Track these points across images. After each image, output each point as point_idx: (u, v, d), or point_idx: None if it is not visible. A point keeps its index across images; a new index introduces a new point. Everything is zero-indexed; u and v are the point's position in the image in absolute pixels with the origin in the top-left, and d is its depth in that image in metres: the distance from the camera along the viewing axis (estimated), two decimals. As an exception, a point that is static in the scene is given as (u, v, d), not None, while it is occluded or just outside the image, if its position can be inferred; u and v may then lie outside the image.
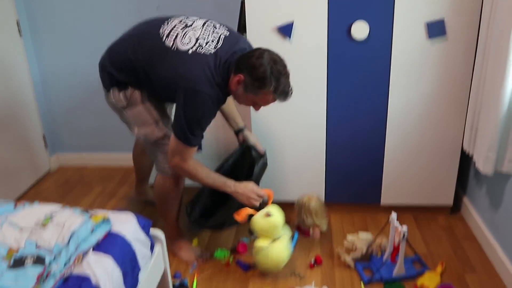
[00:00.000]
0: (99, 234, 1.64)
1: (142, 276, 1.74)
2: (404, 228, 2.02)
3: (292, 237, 2.49)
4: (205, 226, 2.38)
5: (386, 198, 2.64)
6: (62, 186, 3.37)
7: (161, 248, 1.94)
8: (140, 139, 2.15)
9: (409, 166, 2.54)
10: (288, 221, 2.66)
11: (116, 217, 1.78)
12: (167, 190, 2.21)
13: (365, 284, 2.13)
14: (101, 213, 1.73)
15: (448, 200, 2.59)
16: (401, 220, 2.54)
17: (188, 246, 2.40)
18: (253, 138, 2.42)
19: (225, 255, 2.40)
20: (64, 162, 3.74)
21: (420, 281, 2.05)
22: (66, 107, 3.53)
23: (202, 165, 2.08)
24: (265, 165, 2.39)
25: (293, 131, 2.56)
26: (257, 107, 1.99)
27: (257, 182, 2.39)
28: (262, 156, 2.40)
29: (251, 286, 2.17)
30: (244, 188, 2.10)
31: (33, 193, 3.27)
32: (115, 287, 1.53)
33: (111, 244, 1.62)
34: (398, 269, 2.12)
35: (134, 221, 1.78)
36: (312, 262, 2.30)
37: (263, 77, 1.84)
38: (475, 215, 2.49)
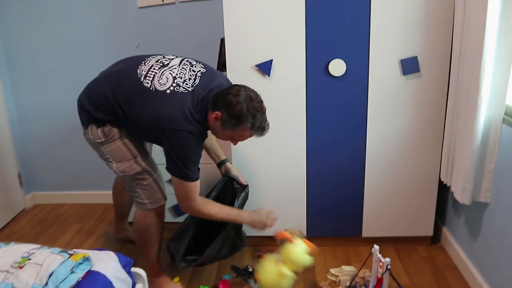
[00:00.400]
0: (79, 274, 1.60)
1: (123, 317, 1.69)
2: (387, 260, 2.03)
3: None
4: (193, 264, 2.30)
5: (368, 230, 2.66)
6: (38, 225, 3.28)
7: (143, 287, 1.89)
8: (119, 175, 2.14)
9: (389, 198, 2.58)
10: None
11: (97, 256, 1.74)
12: (147, 225, 2.19)
13: (349, 318, 2.12)
14: (81, 252, 1.69)
15: (428, 231, 2.63)
16: (383, 252, 2.54)
17: (170, 284, 2.35)
18: (235, 170, 2.43)
19: (207, 293, 2.36)
20: (40, 201, 3.65)
21: (405, 314, 2.04)
22: (44, 144, 3.48)
23: (211, 201, 2.17)
24: (246, 197, 2.40)
25: (274, 164, 2.58)
26: (234, 141, 2.06)
27: None
28: (244, 187, 2.41)
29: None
30: (260, 216, 2.20)
31: (6, 233, 3.17)
32: (96, 329, 1.48)
33: (92, 284, 1.57)
34: (383, 303, 2.11)
35: (115, 259, 1.74)
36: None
37: (239, 114, 1.88)
38: (454, 245, 2.53)
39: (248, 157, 2.57)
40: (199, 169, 2.03)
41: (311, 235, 2.69)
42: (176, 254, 2.27)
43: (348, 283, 2.23)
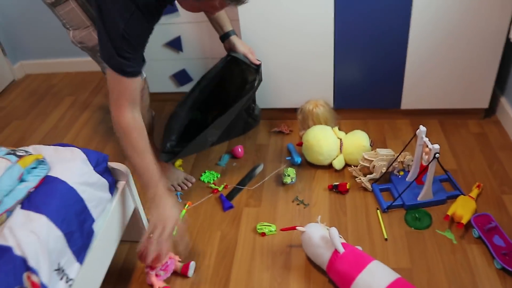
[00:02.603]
0: (31, 183, 1.22)
1: (101, 224, 1.36)
2: (436, 146, 1.58)
3: (289, 151, 2.10)
4: (179, 156, 1.88)
5: (408, 101, 2.16)
6: (29, 99, 2.93)
7: (126, 185, 1.54)
8: (77, 46, 1.64)
9: (437, 61, 2.02)
10: (286, 132, 2.25)
11: (58, 155, 1.34)
12: None
13: (383, 211, 1.75)
14: (34, 154, 1.29)
15: (483, 102, 2.11)
16: (425, 127, 2.09)
17: (171, 171, 2.01)
18: (243, 46, 1.89)
19: (214, 178, 2.01)
20: (30, 70, 3.25)
21: (452, 209, 1.65)
22: (24, 5, 2.92)
23: (144, 130, 1.46)
24: (260, 80, 1.88)
25: (294, 23, 2.00)
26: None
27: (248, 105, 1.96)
28: (256, 69, 1.88)
29: (245, 220, 1.81)
30: (163, 213, 1.43)
31: (-5, 108, 2.84)
32: (54, 255, 1.14)
33: (47, 197, 1.20)
34: (425, 194, 1.72)
35: (82, 158, 1.35)
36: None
37: None
38: (516, 119, 2.04)
39: (263, 14, 1.99)
40: (143, 61, 1.45)
41: (339, 106, 2.23)
42: (164, 145, 1.86)
43: (384, 169, 1.82)
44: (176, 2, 1.41)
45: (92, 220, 1.32)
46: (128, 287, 1.59)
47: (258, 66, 1.88)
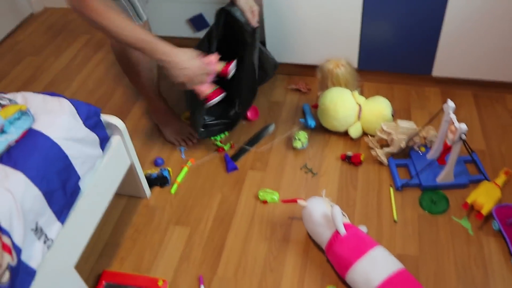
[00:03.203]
0: (12, 135, 1.13)
1: (88, 181, 1.28)
2: (463, 127, 1.41)
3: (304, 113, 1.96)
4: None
5: (441, 67, 1.95)
6: (44, 34, 2.82)
7: (121, 140, 1.44)
8: None
9: (477, 27, 1.78)
10: (304, 90, 2.10)
11: (45, 106, 1.25)
12: (123, 50, 1.63)
13: (396, 189, 1.62)
14: (18, 104, 1.20)
15: (528, 75, 1.89)
16: (457, 99, 1.92)
17: (176, 123, 1.91)
18: (245, 1, 1.69)
19: (221, 136, 1.90)
20: (49, 3, 3.12)
21: (473, 196, 1.50)
22: None
23: (118, 11, 1.31)
24: (253, 52, 1.71)
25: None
26: None
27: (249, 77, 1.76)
28: (251, 32, 1.70)
29: (248, 184, 1.71)
30: (188, 61, 1.38)
31: (10, 42, 2.76)
32: (31, 215, 1.07)
33: (27, 152, 1.12)
34: (445, 176, 1.57)
35: (70, 111, 1.25)
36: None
37: None
38: (562, 98, 1.82)
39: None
40: None
41: (363, 67, 2.05)
42: (196, 123, 1.78)
43: (403, 144, 1.67)
44: None
45: (77, 178, 1.24)
46: (121, 243, 1.55)
47: (255, 29, 1.69)
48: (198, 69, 1.40)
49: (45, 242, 1.13)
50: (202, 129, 1.82)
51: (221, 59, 1.53)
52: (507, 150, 1.74)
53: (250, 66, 1.71)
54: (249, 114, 1.95)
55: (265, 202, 1.62)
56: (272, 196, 1.62)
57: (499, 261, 1.39)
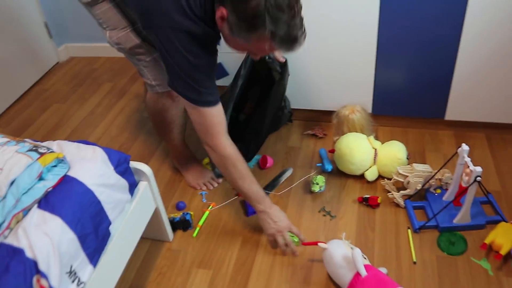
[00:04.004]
0: (50, 182, 1.21)
1: (118, 226, 1.34)
2: (478, 169, 1.46)
3: (321, 157, 2.02)
4: None
5: (453, 111, 2.02)
6: (70, 82, 2.97)
7: (148, 185, 1.51)
8: (114, 47, 1.62)
9: (488, 72, 1.86)
10: (320, 136, 2.16)
11: (78, 154, 1.33)
12: (160, 111, 1.73)
13: (414, 231, 1.65)
14: (55, 152, 1.28)
15: (539, 117, 1.94)
16: (470, 141, 1.97)
17: (197, 169, 1.98)
18: None
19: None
20: (74, 53, 3.30)
21: (491, 236, 1.53)
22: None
23: (240, 155, 1.52)
24: (283, 85, 1.84)
25: (334, 24, 1.90)
26: (254, 55, 1.38)
27: (273, 106, 1.89)
28: (281, 66, 1.82)
29: (269, 227, 1.75)
30: (279, 217, 1.59)
31: (38, 90, 2.91)
32: (66, 257, 1.13)
33: (64, 198, 1.19)
34: (462, 217, 1.61)
35: (103, 158, 1.33)
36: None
37: (252, 15, 1.18)
38: None
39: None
40: (216, 88, 1.43)
41: (377, 112, 2.12)
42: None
43: (419, 186, 1.71)
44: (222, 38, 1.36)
45: (109, 222, 1.30)
46: (145, 286, 1.58)
47: (284, 64, 1.82)
48: (285, 225, 1.58)
49: (78, 285, 1.17)
50: None
51: (244, 96, 1.64)
52: (522, 190, 1.77)
53: (278, 98, 1.83)
54: (261, 163, 2.02)
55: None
56: (293, 239, 1.66)
57: (521, 303, 1.40)
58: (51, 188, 1.20)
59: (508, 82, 1.87)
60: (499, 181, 1.83)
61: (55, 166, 1.24)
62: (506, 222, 1.59)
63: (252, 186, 1.55)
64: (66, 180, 1.23)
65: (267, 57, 1.83)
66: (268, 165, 2.01)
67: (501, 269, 1.50)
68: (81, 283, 1.18)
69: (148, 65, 1.62)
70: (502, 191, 1.78)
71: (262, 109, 1.90)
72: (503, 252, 1.48)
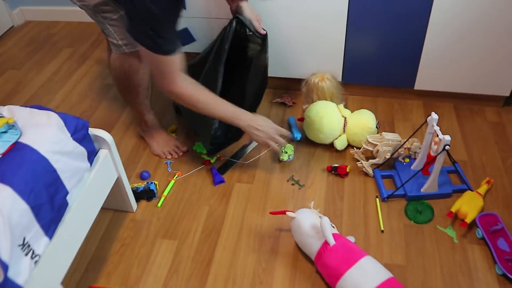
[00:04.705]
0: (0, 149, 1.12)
1: (76, 196, 1.27)
2: (447, 138, 1.45)
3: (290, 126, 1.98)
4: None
5: (423, 81, 2.00)
6: (26, 47, 2.80)
7: (109, 153, 1.43)
8: (76, 4, 1.51)
9: (458, 42, 1.84)
10: (289, 104, 2.12)
11: (32, 119, 1.24)
12: (126, 73, 1.64)
13: (382, 200, 1.64)
14: (5, 117, 1.18)
15: (504, 89, 1.95)
16: (438, 111, 1.96)
17: (162, 136, 1.90)
18: (250, 11, 1.73)
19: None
20: (30, 17, 3.10)
21: (457, 205, 1.54)
22: None
23: (202, 88, 1.51)
24: (264, 58, 1.77)
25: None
26: None
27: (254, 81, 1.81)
28: (261, 39, 1.75)
29: (235, 196, 1.71)
30: (264, 124, 1.61)
31: (-10, 55, 2.72)
32: (18, 229, 1.05)
33: (14, 166, 1.10)
34: (430, 186, 1.61)
35: (58, 124, 1.24)
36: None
37: None
38: (538, 110, 1.88)
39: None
40: (177, 37, 1.40)
41: (347, 81, 2.09)
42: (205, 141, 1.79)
43: (388, 155, 1.70)
44: None
45: (66, 192, 1.22)
46: (108, 258, 1.53)
47: (264, 36, 1.73)
48: (273, 130, 1.61)
49: (32, 257, 1.10)
50: (211, 146, 1.77)
51: (227, 67, 1.63)
52: (487, 160, 1.79)
53: (260, 70, 1.77)
54: None
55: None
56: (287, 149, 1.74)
57: (484, 268, 1.42)
58: (0, 156, 1.11)
59: (476, 53, 1.86)
60: (466, 151, 1.84)
61: (4, 132, 1.15)
62: (472, 191, 1.60)
63: (224, 107, 1.54)
64: (18, 147, 1.14)
65: (247, 30, 1.73)
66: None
67: (466, 237, 1.51)
68: (35, 256, 1.11)
69: (115, 24, 1.51)
70: (468, 160, 1.79)
71: (241, 82, 1.83)
72: (468, 220, 1.49)
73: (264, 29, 1.75)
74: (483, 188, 1.61)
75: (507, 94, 1.96)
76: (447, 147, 1.45)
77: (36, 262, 1.12)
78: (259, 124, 1.58)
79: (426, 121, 1.57)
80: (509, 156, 1.80)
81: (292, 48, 2.02)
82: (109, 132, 1.43)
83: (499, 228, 1.46)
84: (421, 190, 1.62)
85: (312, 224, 1.40)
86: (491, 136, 1.90)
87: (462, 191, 1.61)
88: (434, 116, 1.52)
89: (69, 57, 2.68)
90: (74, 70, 2.54)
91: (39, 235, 1.13)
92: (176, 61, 1.39)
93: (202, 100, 1.50)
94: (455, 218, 1.56)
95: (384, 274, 1.28)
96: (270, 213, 1.56)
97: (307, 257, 1.46)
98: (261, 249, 1.52)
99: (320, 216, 1.42)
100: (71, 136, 1.26)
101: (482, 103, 2.04)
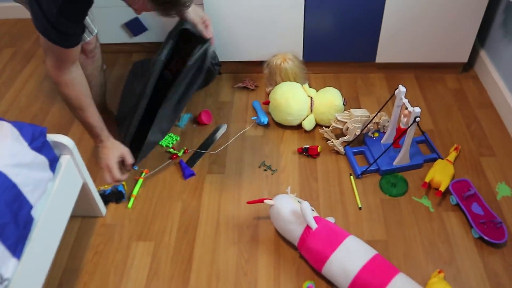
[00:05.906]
0: (-51, 168, 1.01)
1: (41, 209, 1.18)
2: (416, 110, 1.45)
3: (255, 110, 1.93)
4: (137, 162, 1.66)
5: (383, 54, 2.01)
6: (-39, 50, 2.58)
7: (71, 159, 1.35)
8: None
9: (416, 12, 1.85)
10: (251, 88, 2.07)
11: (-18, 132, 1.13)
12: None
13: (356, 177, 1.64)
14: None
15: (463, 56, 1.98)
16: (401, 82, 1.99)
17: (117, 146, 1.73)
18: (195, 14, 1.61)
19: (173, 142, 1.84)
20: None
21: (430, 175, 1.56)
22: None
23: (85, 85, 1.42)
24: (205, 55, 1.61)
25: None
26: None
27: (192, 86, 1.65)
28: (204, 42, 1.60)
29: (208, 189, 1.66)
30: (107, 155, 1.51)
31: None
32: (-17, 255, 0.96)
33: (-32, 185, 1.00)
34: (402, 158, 1.62)
35: (13, 135, 1.14)
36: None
37: None
38: (494, 74, 1.93)
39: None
40: (81, 31, 1.31)
41: (308, 59, 2.06)
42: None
43: (358, 132, 1.69)
44: None
45: (30, 207, 1.13)
46: (81, 268, 1.45)
47: (207, 40, 1.60)
48: (105, 166, 1.51)
49: (1, 283, 1.02)
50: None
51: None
52: (453, 127, 1.82)
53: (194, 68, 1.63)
54: (203, 117, 1.89)
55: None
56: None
57: (461, 234, 1.45)
58: (-48, 176, 1.01)
59: (435, 23, 1.87)
60: (431, 120, 1.86)
61: (-47, 148, 1.04)
62: (442, 159, 1.62)
63: (90, 119, 1.46)
64: (-30, 165, 1.04)
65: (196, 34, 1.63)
66: (209, 120, 1.90)
67: (441, 205, 1.54)
68: (4, 280, 1.03)
69: None
70: (435, 129, 1.82)
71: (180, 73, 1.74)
72: (442, 188, 1.51)
73: (211, 33, 1.62)
74: (452, 156, 1.64)
75: (465, 60, 1.99)
76: (417, 119, 1.46)
77: (6, 286, 1.03)
78: (105, 153, 1.51)
79: (393, 94, 1.57)
80: (473, 122, 1.84)
81: (250, 30, 1.97)
82: (66, 135, 1.34)
83: (471, 193, 1.49)
84: (394, 163, 1.63)
85: (291, 210, 1.37)
86: (454, 103, 1.93)
87: (433, 160, 1.63)
88: (402, 89, 1.52)
89: (11, 57, 2.50)
90: (19, 71, 2.37)
91: (5, 257, 1.04)
92: (72, 53, 1.32)
93: (74, 99, 1.40)
94: (429, 188, 1.58)
95: (369, 252, 1.28)
96: (248, 202, 1.52)
97: (289, 243, 1.45)
98: (241, 240, 1.49)
99: (299, 201, 1.40)
100: (29, 145, 1.16)
101: (441, 71, 2.07)
